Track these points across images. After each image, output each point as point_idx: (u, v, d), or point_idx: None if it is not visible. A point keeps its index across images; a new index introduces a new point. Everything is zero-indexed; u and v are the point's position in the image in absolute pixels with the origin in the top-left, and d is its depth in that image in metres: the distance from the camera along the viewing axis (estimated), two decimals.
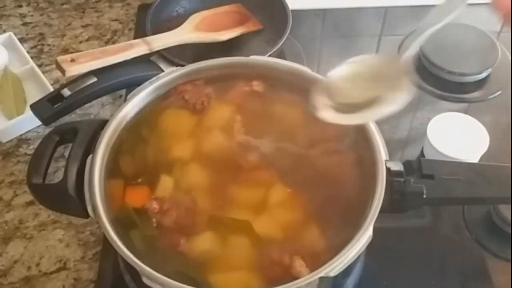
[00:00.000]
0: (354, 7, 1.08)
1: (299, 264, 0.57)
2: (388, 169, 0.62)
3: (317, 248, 0.59)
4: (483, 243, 0.76)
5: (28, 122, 0.88)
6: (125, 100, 0.76)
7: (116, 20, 1.09)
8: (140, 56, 0.85)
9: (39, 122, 0.82)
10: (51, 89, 0.90)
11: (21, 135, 0.89)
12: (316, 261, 0.56)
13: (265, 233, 0.60)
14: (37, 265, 0.75)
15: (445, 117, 0.83)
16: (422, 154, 0.84)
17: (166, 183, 0.64)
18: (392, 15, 1.08)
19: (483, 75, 0.95)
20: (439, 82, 0.95)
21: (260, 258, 0.59)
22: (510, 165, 0.64)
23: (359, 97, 0.62)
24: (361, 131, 0.66)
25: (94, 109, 0.92)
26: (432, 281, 0.72)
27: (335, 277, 0.55)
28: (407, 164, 0.64)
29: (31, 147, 0.88)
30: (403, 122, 0.91)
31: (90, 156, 0.63)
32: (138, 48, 0.84)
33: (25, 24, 1.08)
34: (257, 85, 0.72)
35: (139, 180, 0.64)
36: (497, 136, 0.83)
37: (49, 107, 0.79)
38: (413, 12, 1.07)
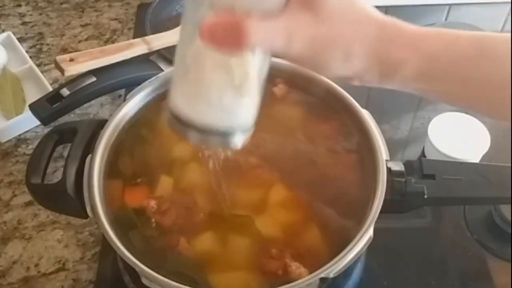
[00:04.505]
0: None
1: (295, 267, 0.56)
2: (389, 169, 0.62)
3: (318, 248, 0.59)
4: (484, 243, 0.76)
5: (27, 122, 0.88)
6: (124, 100, 0.75)
7: (115, 19, 1.08)
8: (139, 56, 0.84)
9: (38, 122, 0.81)
10: (50, 88, 0.90)
11: (20, 135, 0.89)
12: (316, 262, 0.56)
13: (265, 233, 0.60)
14: (36, 265, 0.75)
15: (446, 117, 0.83)
16: (423, 154, 0.84)
17: (165, 183, 0.64)
18: (392, 15, 1.07)
19: None
20: None
21: (260, 258, 0.58)
22: (511, 165, 0.63)
23: None
24: (362, 131, 0.65)
25: (93, 109, 0.92)
26: (432, 281, 0.72)
27: (336, 277, 0.55)
28: (408, 164, 0.64)
29: (30, 147, 0.87)
30: (404, 121, 0.90)
31: (89, 156, 0.63)
32: (138, 47, 0.84)
33: (24, 23, 1.07)
34: (280, 89, 0.72)
35: (139, 180, 0.64)
36: (498, 136, 0.83)
37: (48, 107, 0.79)
38: (413, 12, 1.07)
